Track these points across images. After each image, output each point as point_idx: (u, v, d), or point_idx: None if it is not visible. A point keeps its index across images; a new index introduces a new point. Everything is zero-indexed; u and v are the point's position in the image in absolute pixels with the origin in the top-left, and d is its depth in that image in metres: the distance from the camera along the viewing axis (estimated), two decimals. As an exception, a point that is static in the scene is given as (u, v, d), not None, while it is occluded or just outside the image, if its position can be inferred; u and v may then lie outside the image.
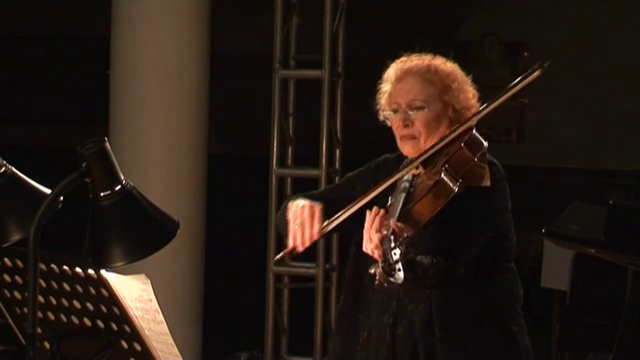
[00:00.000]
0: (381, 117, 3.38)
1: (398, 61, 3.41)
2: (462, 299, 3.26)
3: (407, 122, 3.28)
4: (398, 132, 3.31)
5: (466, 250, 3.18)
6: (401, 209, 3.03)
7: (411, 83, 3.32)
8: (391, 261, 2.87)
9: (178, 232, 2.36)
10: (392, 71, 3.39)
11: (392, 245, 2.91)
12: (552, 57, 9.36)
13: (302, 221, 3.21)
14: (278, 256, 3.41)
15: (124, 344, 2.44)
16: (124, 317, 2.39)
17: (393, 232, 2.94)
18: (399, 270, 2.87)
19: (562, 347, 6.94)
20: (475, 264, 3.20)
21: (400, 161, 3.36)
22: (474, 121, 3.22)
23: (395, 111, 3.31)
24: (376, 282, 2.93)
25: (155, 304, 2.48)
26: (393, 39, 8.83)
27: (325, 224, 3.21)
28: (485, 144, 3.18)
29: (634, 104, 8.76)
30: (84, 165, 2.27)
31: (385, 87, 3.39)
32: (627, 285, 4.24)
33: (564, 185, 8.65)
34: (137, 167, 5.89)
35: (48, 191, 2.43)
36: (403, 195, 3.09)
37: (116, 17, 6.28)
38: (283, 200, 6.40)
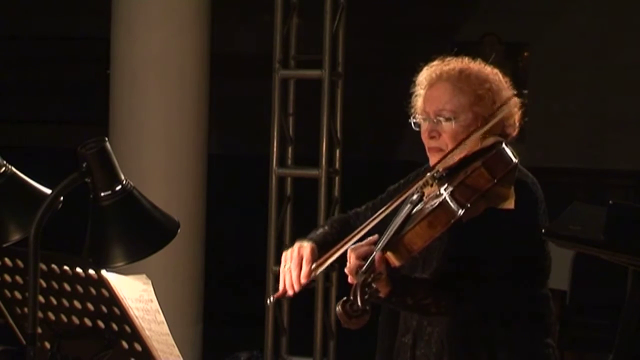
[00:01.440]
0: (412, 123, 3.13)
1: (431, 64, 3.14)
2: (480, 330, 3.05)
3: (434, 134, 3.04)
4: (425, 142, 3.09)
5: (472, 284, 2.94)
6: (392, 236, 2.83)
7: (440, 90, 3.06)
8: (357, 302, 2.71)
9: (178, 232, 2.36)
10: (423, 75, 3.13)
11: (368, 280, 2.74)
12: (552, 57, 9.39)
13: (290, 265, 3.05)
14: (271, 299, 3.21)
15: (125, 344, 2.44)
16: (124, 317, 2.39)
17: (372, 264, 2.77)
18: (364, 312, 2.71)
19: (562, 347, 6.95)
20: (489, 298, 2.97)
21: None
22: (489, 141, 3.00)
23: (424, 119, 3.08)
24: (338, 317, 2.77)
25: (155, 304, 2.48)
26: (393, 39, 8.84)
27: (314, 265, 3.04)
28: (515, 161, 2.95)
29: (634, 104, 8.76)
30: (84, 165, 2.27)
31: (419, 90, 3.14)
32: (627, 285, 4.24)
33: (564, 185, 8.65)
34: (137, 167, 5.89)
35: (48, 191, 2.43)
36: (402, 219, 2.89)
37: (116, 17, 6.28)
38: (283, 200, 6.44)
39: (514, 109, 3.11)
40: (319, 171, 6.28)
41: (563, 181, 8.77)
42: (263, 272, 6.40)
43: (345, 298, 2.75)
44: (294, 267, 3.04)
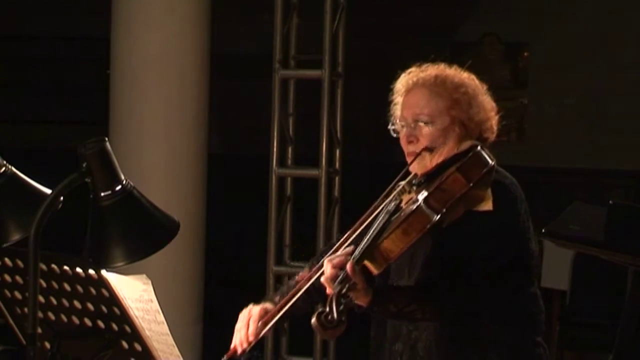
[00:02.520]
0: (391, 130, 3.19)
1: (408, 71, 3.19)
2: (468, 331, 3.06)
3: (412, 139, 3.10)
4: (404, 148, 3.13)
5: (456, 285, 2.96)
6: (368, 245, 2.86)
7: (418, 96, 3.11)
8: (332, 313, 2.74)
9: (178, 232, 2.36)
10: (401, 82, 3.19)
11: (343, 290, 2.78)
12: (552, 57, 9.38)
13: (240, 325, 3.19)
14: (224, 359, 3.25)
15: (125, 344, 2.44)
16: (124, 317, 2.39)
17: (346, 274, 2.80)
18: (339, 323, 2.73)
19: (562, 347, 6.94)
20: (474, 299, 3.00)
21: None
22: (465, 144, 3.06)
23: (402, 125, 3.13)
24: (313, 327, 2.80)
25: (155, 304, 2.48)
26: (393, 39, 8.84)
27: (261, 323, 3.17)
28: (492, 163, 2.98)
29: (634, 104, 8.76)
30: (84, 165, 2.27)
31: (397, 98, 3.20)
32: (627, 285, 4.25)
33: (564, 185, 8.65)
34: (137, 167, 5.89)
35: (48, 191, 2.43)
36: (379, 227, 2.92)
37: (116, 17, 6.28)
38: (283, 200, 6.44)
39: (490, 113, 3.16)
40: (319, 171, 6.28)
41: (563, 181, 8.77)
42: (263, 272, 6.40)
43: (320, 310, 2.79)
44: (242, 327, 3.18)
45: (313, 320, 2.78)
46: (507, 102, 8.93)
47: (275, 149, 6.36)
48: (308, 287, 3.07)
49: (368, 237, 2.91)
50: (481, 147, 3.03)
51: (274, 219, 6.38)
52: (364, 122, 8.51)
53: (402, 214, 2.90)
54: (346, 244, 3.04)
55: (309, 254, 6.32)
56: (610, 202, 3.95)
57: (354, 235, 3.05)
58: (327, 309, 2.77)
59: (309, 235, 6.33)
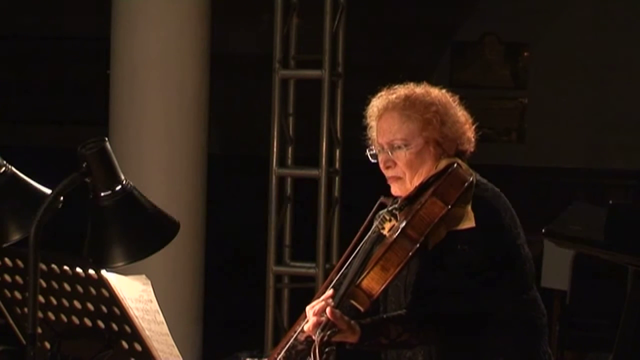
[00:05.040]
0: (369, 155, 3.19)
1: (378, 95, 3.19)
2: (470, 344, 3.04)
3: (389, 164, 3.10)
4: (384, 172, 3.14)
5: (448, 307, 2.94)
6: (347, 286, 2.87)
7: (389, 121, 3.11)
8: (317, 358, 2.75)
9: (178, 232, 2.36)
10: (373, 108, 3.18)
11: (325, 338, 2.78)
12: (552, 57, 9.38)
13: None
14: None
15: (125, 344, 2.44)
16: (124, 317, 2.39)
17: (328, 322, 2.81)
18: None
19: (562, 347, 6.94)
20: (470, 316, 2.97)
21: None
22: (442, 163, 3.03)
23: (379, 151, 3.13)
24: None
25: (155, 305, 2.48)
26: (393, 39, 8.84)
27: None
28: (470, 179, 2.97)
29: (634, 104, 8.76)
30: (84, 165, 2.27)
31: (371, 122, 3.20)
32: (627, 285, 4.25)
33: (564, 185, 8.65)
34: (137, 167, 5.89)
35: (48, 191, 2.43)
36: (358, 264, 2.92)
37: (116, 17, 6.28)
38: (283, 200, 6.44)
39: (465, 126, 3.14)
40: (319, 171, 6.27)
41: (563, 181, 8.77)
42: (263, 272, 6.40)
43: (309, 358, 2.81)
44: None
45: None
46: (507, 102, 8.94)
47: (275, 149, 6.36)
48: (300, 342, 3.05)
49: (348, 277, 2.91)
50: (458, 165, 3.02)
51: (274, 219, 6.38)
52: (364, 122, 8.50)
53: (381, 248, 2.90)
54: (331, 285, 3.04)
55: (309, 254, 6.36)
56: (610, 202, 3.95)
57: (337, 276, 3.06)
58: (312, 357, 2.79)
59: (309, 235, 6.33)
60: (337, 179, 6.38)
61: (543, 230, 4.00)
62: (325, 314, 2.82)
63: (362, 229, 3.11)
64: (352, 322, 2.88)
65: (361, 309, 2.87)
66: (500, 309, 3.04)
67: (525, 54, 9.06)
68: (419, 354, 3.07)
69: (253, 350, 6.57)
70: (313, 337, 2.84)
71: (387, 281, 2.84)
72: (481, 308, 2.99)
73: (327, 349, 2.80)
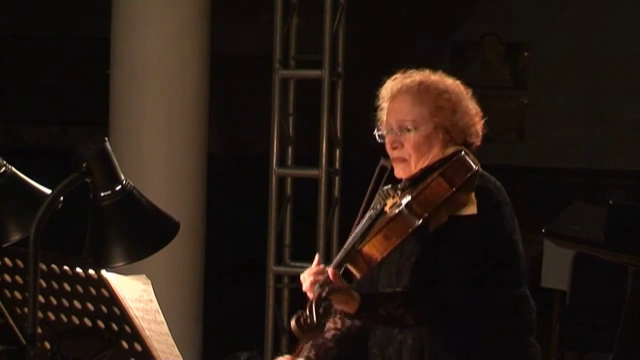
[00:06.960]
0: (376, 135, 3.24)
1: (393, 77, 3.23)
2: (459, 337, 3.07)
3: (396, 145, 3.14)
4: (389, 153, 3.18)
5: (443, 291, 2.99)
6: (350, 249, 2.92)
7: (401, 103, 3.15)
8: (312, 316, 2.78)
9: (178, 232, 2.36)
10: (386, 89, 3.23)
11: (323, 294, 2.81)
12: (552, 57, 9.37)
13: None
14: None
15: (125, 344, 2.44)
16: (124, 317, 2.39)
17: (327, 278, 2.85)
18: (318, 326, 2.79)
19: (562, 347, 6.94)
20: (462, 303, 3.01)
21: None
22: (449, 150, 3.08)
23: (387, 132, 3.18)
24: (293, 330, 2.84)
25: (155, 304, 2.48)
26: (393, 39, 8.84)
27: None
28: (475, 168, 3.02)
29: (634, 104, 8.76)
30: (84, 165, 2.27)
31: (382, 104, 3.25)
32: (627, 285, 4.24)
33: (564, 185, 8.65)
34: (137, 167, 5.89)
35: (48, 191, 2.43)
36: (361, 231, 2.97)
37: (116, 17, 6.28)
38: (283, 200, 6.44)
39: (475, 119, 3.18)
40: (319, 171, 6.27)
41: (563, 181, 8.77)
42: (263, 272, 6.40)
43: (300, 312, 2.84)
44: None
45: (292, 322, 2.84)
46: (507, 102, 8.94)
47: (275, 149, 6.36)
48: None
49: (350, 241, 2.95)
50: (465, 153, 3.07)
51: (274, 219, 6.37)
52: (364, 122, 8.50)
53: (385, 218, 2.94)
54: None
55: (309, 254, 6.35)
56: (610, 202, 3.94)
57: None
58: (307, 312, 2.81)
59: (309, 235, 6.33)
60: (337, 179, 6.38)
61: (543, 230, 3.99)
62: (326, 273, 2.85)
63: (366, 197, 3.13)
64: (352, 290, 2.93)
65: (358, 275, 2.92)
66: (492, 300, 3.08)
67: (525, 54, 9.06)
68: (408, 336, 3.09)
69: (253, 350, 6.57)
70: (310, 294, 2.87)
71: (387, 251, 2.89)
72: (475, 295, 3.02)
73: (323, 305, 2.82)
